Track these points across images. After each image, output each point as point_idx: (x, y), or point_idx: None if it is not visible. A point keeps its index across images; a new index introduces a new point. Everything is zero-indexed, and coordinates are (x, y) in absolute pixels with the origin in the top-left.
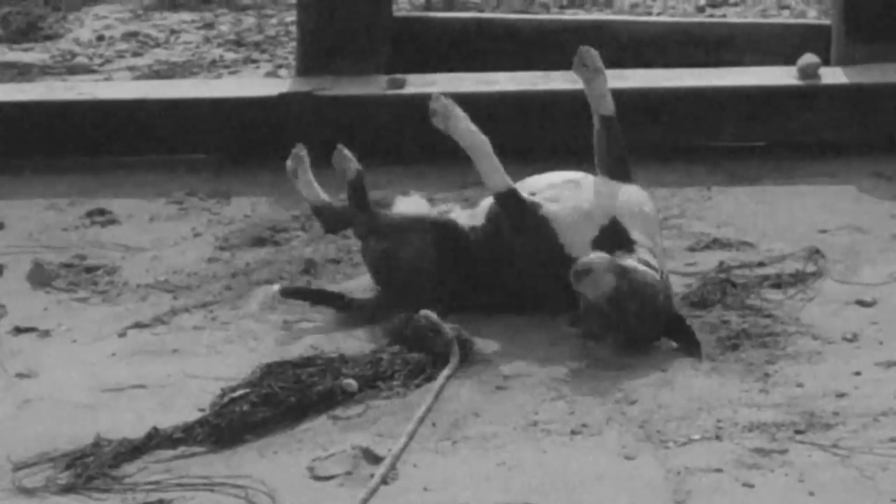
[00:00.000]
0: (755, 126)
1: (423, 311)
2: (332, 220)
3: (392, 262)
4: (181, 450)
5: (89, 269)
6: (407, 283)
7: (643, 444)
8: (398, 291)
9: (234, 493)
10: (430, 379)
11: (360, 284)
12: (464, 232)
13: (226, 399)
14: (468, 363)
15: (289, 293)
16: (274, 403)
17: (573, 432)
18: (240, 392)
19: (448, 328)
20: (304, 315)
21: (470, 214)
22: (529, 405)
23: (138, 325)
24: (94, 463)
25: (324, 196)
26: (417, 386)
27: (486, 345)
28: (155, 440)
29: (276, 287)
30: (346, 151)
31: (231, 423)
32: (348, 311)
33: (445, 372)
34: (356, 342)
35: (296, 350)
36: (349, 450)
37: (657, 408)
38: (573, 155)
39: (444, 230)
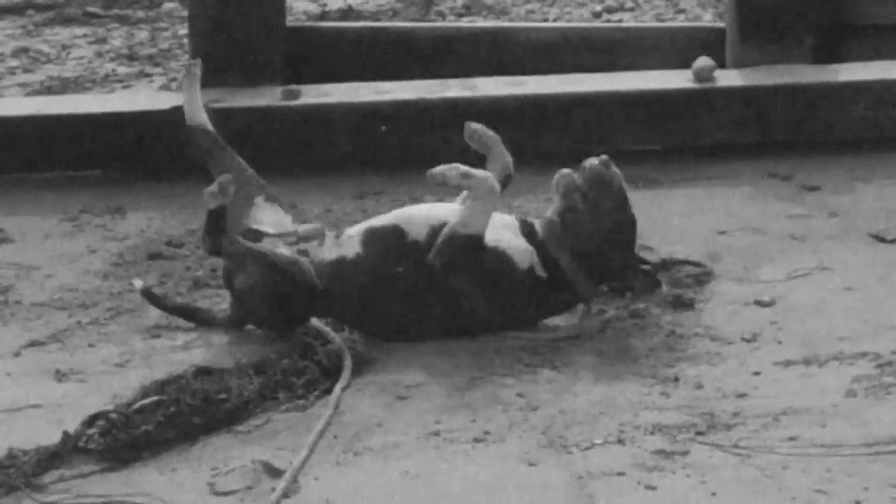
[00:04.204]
0: (652, 130)
1: (312, 321)
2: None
3: (231, 284)
4: (78, 469)
5: None
6: (247, 308)
7: (546, 450)
8: (246, 311)
9: None
10: (328, 391)
11: None
12: (308, 276)
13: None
14: (363, 373)
15: (151, 298)
16: (179, 418)
17: (476, 440)
18: (139, 405)
19: (338, 338)
20: (201, 332)
21: (335, 243)
22: (431, 414)
23: (33, 345)
24: None
25: (203, 119)
26: (317, 398)
27: (385, 354)
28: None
29: (139, 284)
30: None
31: (132, 440)
32: (212, 325)
33: (340, 383)
34: (254, 356)
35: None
36: (249, 464)
37: (559, 413)
38: (469, 163)
39: (282, 274)
